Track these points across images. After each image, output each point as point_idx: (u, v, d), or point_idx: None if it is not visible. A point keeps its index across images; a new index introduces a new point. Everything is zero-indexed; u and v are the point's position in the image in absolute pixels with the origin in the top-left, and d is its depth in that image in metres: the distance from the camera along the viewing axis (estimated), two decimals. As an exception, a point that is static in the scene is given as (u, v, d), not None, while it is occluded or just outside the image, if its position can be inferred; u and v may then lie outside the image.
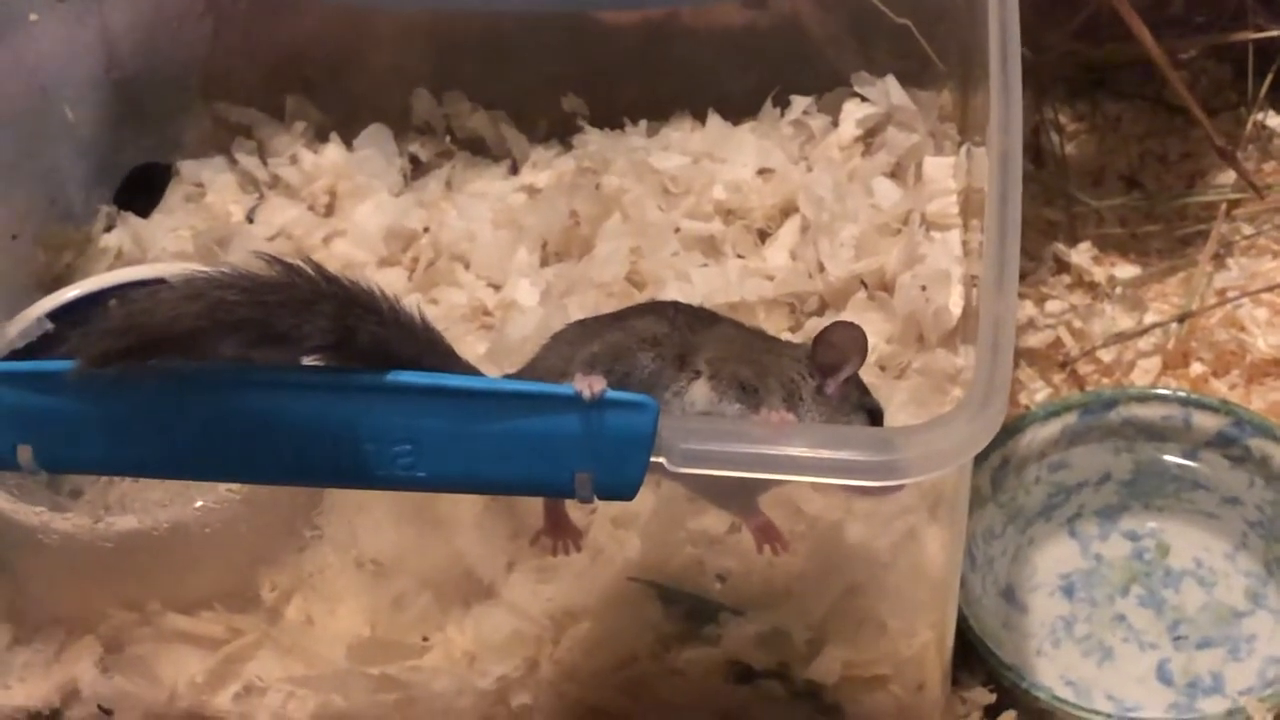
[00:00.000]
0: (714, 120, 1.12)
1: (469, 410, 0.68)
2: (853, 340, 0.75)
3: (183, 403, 0.69)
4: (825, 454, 0.69)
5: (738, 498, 0.76)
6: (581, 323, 0.80)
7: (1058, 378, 1.05)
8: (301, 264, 0.69)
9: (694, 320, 0.77)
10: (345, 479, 0.71)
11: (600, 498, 0.69)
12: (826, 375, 0.75)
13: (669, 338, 0.75)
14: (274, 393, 0.69)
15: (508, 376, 0.77)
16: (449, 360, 0.73)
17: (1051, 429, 0.98)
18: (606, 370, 0.72)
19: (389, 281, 0.98)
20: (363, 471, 0.69)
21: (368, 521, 0.87)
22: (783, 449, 0.69)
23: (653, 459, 0.68)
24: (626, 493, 0.69)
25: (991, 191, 0.78)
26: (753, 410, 0.74)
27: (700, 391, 0.75)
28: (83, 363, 0.67)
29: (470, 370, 0.75)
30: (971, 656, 0.89)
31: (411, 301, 0.74)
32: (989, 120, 0.83)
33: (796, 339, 0.90)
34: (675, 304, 0.80)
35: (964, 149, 1.03)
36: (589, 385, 0.67)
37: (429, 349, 0.72)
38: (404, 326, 0.71)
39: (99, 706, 0.87)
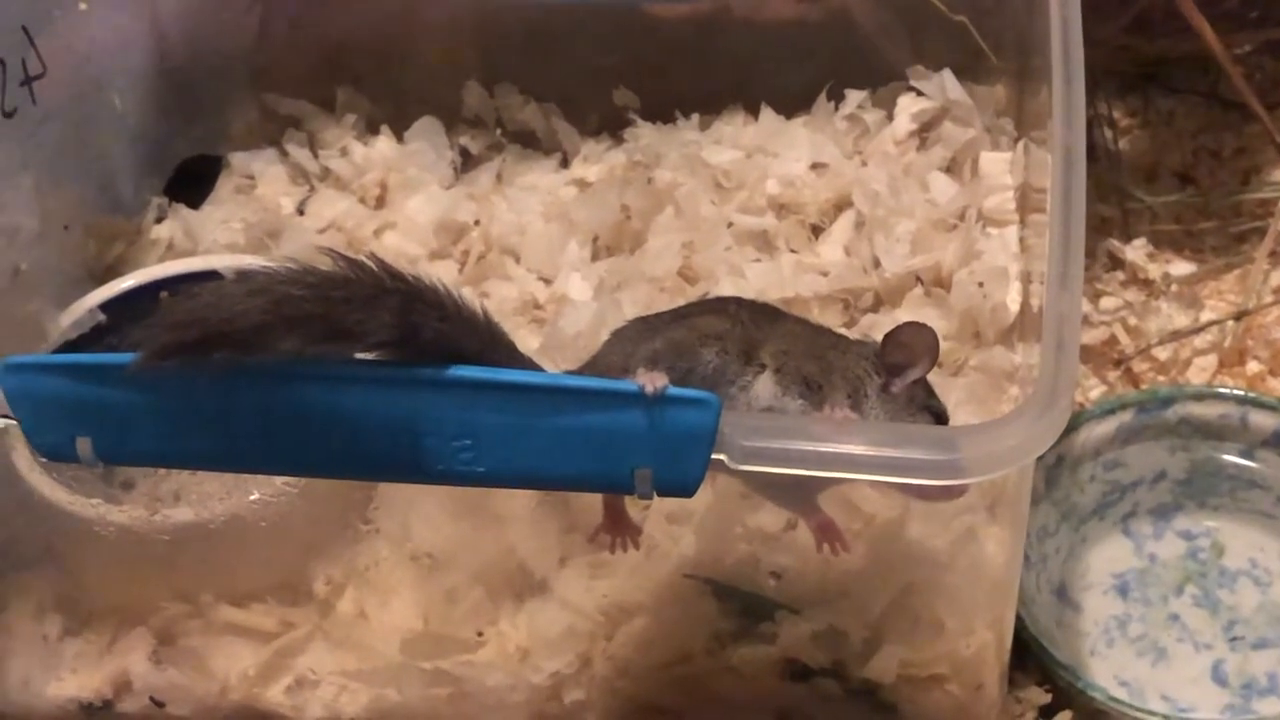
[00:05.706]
0: (767, 114, 1.11)
1: (530, 405, 0.67)
2: (924, 342, 0.74)
3: (243, 395, 0.68)
4: (887, 452, 0.68)
5: (798, 495, 0.75)
6: (643, 319, 0.79)
7: (1113, 375, 1.04)
8: (365, 259, 0.68)
9: (757, 316, 0.77)
10: (405, 473, 0.71)
11: (660, 494, 0.68)
12: (893, 375, 0.75)
13: (731, 333, 0.75)
14: (335, 386, 0.68)
15: (568, 373, 0.77)
16: (511, 356, 0.73)
17: (1107, 427, 0.97)
18: (669, 367, 0.71)
19: (439, 275, 0.97)
20: (422, 466, 0.68)
21: (421, 515, 0.86)
22: (844, 447, 0.68)
23: (713, 456, 0.68)
24: (687, 489, 0.68)
25: (1054, 186, 0.77)
26: (816, 407, 0.73)
27: (765, 386, 0.74)
28: (145, 356, 0.67)
29: (532, 366, 0.74)
30: (1026, 655, 0.88)
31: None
32: (1051, 114, 0.82)
33: (852, 335, 0.89)
34: (738, 300, 0.79)
35: (1021, 144, 1.02)
36: (651, 381, 0.67)
37: (491, 344, 0.71)
38: (467, 322, 0.70)
39: (151, 699, 0.87)
